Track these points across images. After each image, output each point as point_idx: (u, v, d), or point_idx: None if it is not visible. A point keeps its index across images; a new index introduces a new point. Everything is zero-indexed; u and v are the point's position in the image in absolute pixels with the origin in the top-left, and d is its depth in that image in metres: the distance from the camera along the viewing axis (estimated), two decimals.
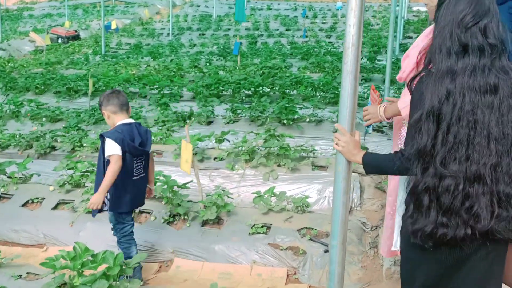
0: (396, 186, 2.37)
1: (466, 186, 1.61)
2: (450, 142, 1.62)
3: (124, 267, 2.62)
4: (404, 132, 2.33)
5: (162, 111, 6.66)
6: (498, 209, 1.61)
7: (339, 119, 1.87)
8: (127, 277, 2.74)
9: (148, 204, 3.85)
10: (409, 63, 2.30)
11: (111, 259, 2.55)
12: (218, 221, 3.58)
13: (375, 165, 1.88)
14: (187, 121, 6.25)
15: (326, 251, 3.11)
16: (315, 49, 12.06)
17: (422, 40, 2.27)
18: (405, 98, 2.17)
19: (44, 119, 6.87)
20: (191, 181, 3.92)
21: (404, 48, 11.18)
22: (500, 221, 1.62)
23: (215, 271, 3.25)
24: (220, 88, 7.72)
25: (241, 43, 11.33)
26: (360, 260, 3.13)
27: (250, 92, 7.64)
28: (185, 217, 3.60)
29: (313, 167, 4.47)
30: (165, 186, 3.79)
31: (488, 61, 1.63)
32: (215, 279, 3.19)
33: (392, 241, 2.44)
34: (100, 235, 3.62)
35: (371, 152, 2.01)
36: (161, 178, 3.99)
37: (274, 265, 3.16)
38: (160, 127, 5.63)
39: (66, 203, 4.01)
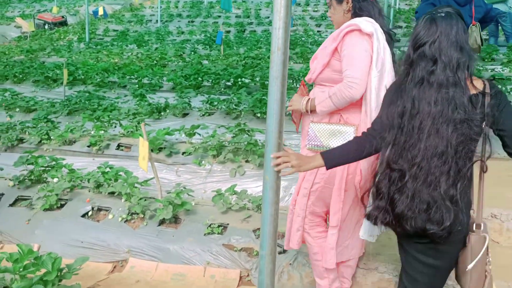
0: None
1: (401, 179, 1.82)
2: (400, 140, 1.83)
3: (64, 271, 2.54)
4: (309, 130, 2.37)
5: (138, 102, 6.55)
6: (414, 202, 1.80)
7: (266, 125, 1.78)
8: None
9: (107, 202, 3.78)
10: (317, 64, 2.32)
11: (49, 263, 2.47)
12: (175, 220, 3.50)
13: (339, 154, 1.96)
14: (161, 112, 6.14)
15: (280, 252, 3.04)
16: (303, 39, 11.90)
17: (330, 43, 2.27)
18: (320, 96, 2.29)
19: (17, 109, 6.75)
20: (152, 178, 3.83)
21: None
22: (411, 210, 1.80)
23: (168, 272, 3.18)
24: (200, 79, 7.59)
25: (224, 32, 11.15)
26: None
27: (230, 83, 7.52)
28: (143, 215, 3.52)
29: None
30: (125, 184, 3.71)
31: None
32: (168, 280, 3.13)
33: (289, 236, 2.61)
34: (56, 234, 3.54)
35: (325, 150, 2.01)
36: (122, 174, 3.91)
37: (227, 267, 3.09)
38: (131, 120, 5.52)
39: (25, 199, 3.92)
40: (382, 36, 2.22)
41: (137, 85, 7.68)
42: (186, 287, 3.02)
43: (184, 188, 3.73)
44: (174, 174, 4.52)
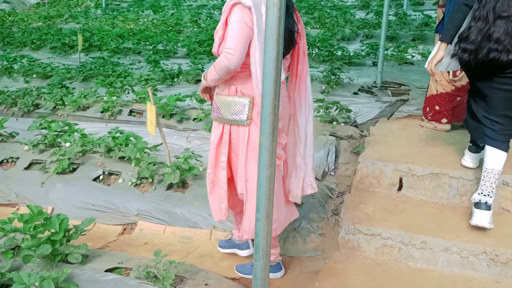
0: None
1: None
2: None
3: (71, 232, 2.61)
4: (213, 102, 2.51)
5: (151, 69, 6.55)
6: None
7: (262, 86, 1.74)
8: None
9: (118, 166, 3.83)
10: (216, 37, 2.35)
11: (57, 223, 2.53)
12: (183, 184, 3.53)
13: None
14: (175, 79, 6.13)
15: None
16: (322, 3, 11.62)
17: (223, 16, 2.30)
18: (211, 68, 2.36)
19: (35, 75, 6.83)
20: (161, 143, 3.85)
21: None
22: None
23: (175, 235, 3.24)
24: None
25: None
26: (320, 228, 3.07)
27: None
28: (152, 180, 3.57)
29: None
30: (134, 149, 3.75)
31: None
32: (176, 243, 3.19)
33: (215, 209, 2.63)
34: (68, 197, 3.63)
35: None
36: (132, 139, 3.94)
37: (233, 230, 3.12)
38: (143, 86, 5.52)
39: (39, 163, 4.00)
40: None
41: (151, 52, 7.65)
42: (193, 249, 3.07)
43: (193, 153, 3.74)
44: (184, 140, 4.54)
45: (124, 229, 3.41)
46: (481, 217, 2.60)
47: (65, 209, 3.48)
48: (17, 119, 5.25)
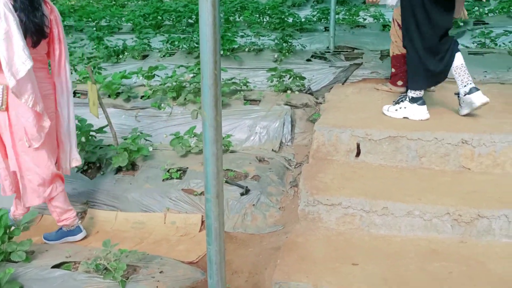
0: None
1: None
2: None
3: (12, 228, 2.37)
4: None
5: (95, 46, 6.16)
6: None
7: (200, 54, 1.56)
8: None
9: None
10: None
11: None
12: (133, 167, 3.33)
13: None
14: (120, 56, 5.79)
15: (243, 193, 2.92)
16: None
17: None
18: None
19: None
20: (107, 125, 3.61)
21: None
22: None
23: (128, 220, 3.05)
24: (160, 17, 7.16)
25: None
26: (279, 201, 2.96)
27: (192, 21, 7.12)
28: (99, 164, 3.34)
29: (245, 101, 4.19)
30: (79, 132, 3.48)
31: None
32: (129, 229, 3.01)
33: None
34: None
35: None
36: (76, 122, 3.67)
37: (188, 212, 2.97)
38: (86, 64, 5.18)
39: None
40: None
41: (94, 28, 7.21)
42: (147, 234, 2.90)
43: (141, 133, 3.54)
44: (133, 120, 4.29)
45: None
46: (479, 96, 3.04)
47: (10, 202, 3.21)
48: None
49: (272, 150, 3.63)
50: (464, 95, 3.11)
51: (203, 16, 1.50)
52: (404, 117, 3.17)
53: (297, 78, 4.41)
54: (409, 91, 3.19)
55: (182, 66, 4.73)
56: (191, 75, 4.47)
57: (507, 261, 2.24)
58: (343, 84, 4.49)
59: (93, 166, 3.38)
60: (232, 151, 3.47)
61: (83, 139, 3.46)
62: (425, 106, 3.15)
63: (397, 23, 3.62)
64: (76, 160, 2.87)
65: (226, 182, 3.03)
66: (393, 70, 3.84)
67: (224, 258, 1.82)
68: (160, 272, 2.29)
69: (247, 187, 2.95)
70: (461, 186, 2.65)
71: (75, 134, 2.88)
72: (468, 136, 2.80)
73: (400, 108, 3.20)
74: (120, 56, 5.80)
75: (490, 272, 2.17)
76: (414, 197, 2.57)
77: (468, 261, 2.26)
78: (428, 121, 3.11)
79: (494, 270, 2.18)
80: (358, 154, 3.07)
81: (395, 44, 3.74)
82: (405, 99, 3.22)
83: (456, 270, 2.18)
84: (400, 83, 3.80)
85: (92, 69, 4.86)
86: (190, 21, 7.14)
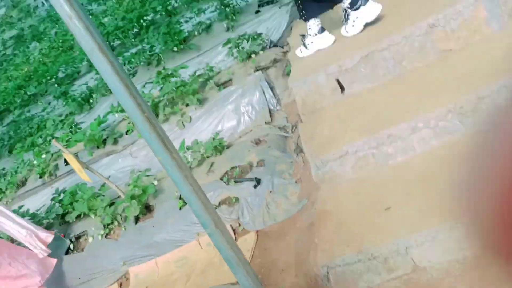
0: None
1: None
2: None
3: None
4: None
5: (65, 103, 6.06)
6: None
7: (123, 107, 1.44)
8: None
9: (80, 226, 3.57)
10: None
11: None
12: (148, 208, 3.29)
13: None
14: (90, 100, 5.68)
15: (256, 186, 2.84)
16: None
17: None
18: None
19: None
20: (105, 183, 3.56)
21: None
22: None
23: (170, 262, 3.04)
24: (107, 41, 6.93)
25: None
26: (292, 175, 2.87)
27: (137, 30, 6.87)
28: (118, 222, 3.32)
29: (218, 87, 4.04)
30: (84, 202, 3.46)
31: None
32: (174, 270, 3.01)
33: None
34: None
35: None
36: (79, 192, 3.65)
37: None
38: (61, 127, 5.10)
39: None
40: None
41: (56, 85, 7.09)
42: (192, 268, 2.89)
43: (140, 171, 3.47)
44: (130, 158, 4.24)
45: (121, 284, 3.20)
46: (375, 6, 2.75)
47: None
48: None
49: (265, 123, 3.51)
50: (353, 9, 2.76)
51: (102, 72, 1.40)
52: (317, 50, 3.00)
53: (253, 38, 4.20)
54: (307, 25, 2.95)
55: (147, 83, 4.59)
56: (158, 88, 4.33)
57: None
58: (300, 19, 4.25)
59: (112, 226, 3.36)
60: (228, 146, 3.37)
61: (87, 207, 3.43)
62: (326, 31, 2.95)
63: None
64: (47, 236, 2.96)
65: (236, 181, 2.95)
66: None
67: (255, 278, 1.77)
68: None
69: (256, 177, 2.86)
70: (450, 73, 2.47)
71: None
72: (433, 18, 2.59)
73: (309, 44, 3.00)
74: (91, 101, 5.70)
75: None
76: (412, 109, 2.41)
77: None
78: (387, 23, 2.88)
79: None
80: (342, 89, 2.91)
81: None
82: (308, 36, 3.00)
83: None
84: None
85: (63, 140, 4.79)
86: (135, 30, 6.89)
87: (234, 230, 2.86)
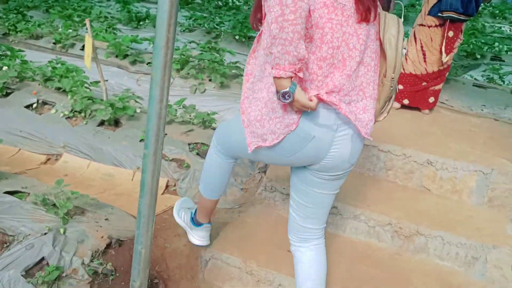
0: None
1: None
2: None
3: None
4: None
5: (120, 9, 6.31)
6: None
7: (157, 14, 1.63)
8: None
9: (54, 97, 3.71)
10: None
11: None
12: (116, 123, 3.44)
13: None
14: (141, 22, 5.93)
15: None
16: None
17: None
18: None
19: None
20: (106, 80, 3.73)
21: None
22: None
23: (99, 171, 3.17)
24: None
25: None
26: (243, 183, 3.04)
27: (221, 4, 7.22)
28: (84, 114, 3.46)
29: None
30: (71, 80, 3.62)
31: None
32: (97, 179, 3.12)
33: None
34: None
35: None
36: (74, 73, 3.81)
37: None
38: (102, 22, 5.32)
39: None
40: None
41: None
42: (112, 187, 3.01)
43: (133, 94, 3.65)
44: (134, 82, 4.42)
45: (48, 159, 3.31)
46: None
47: None
48: None
49: None
50: None
51: None
52: None
53: None
54: None
55: (193, 42, 4.82)
56: (199, 52, 4.56)
57: (431, 280, 2.28)
58: None
59: (78, 114, 3.50)
60: (214, 128, 3.55)
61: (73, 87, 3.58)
62: None
63: (421, 42, 3.52)
64: None
65: (197, 154, 3.12)
66: (401, 87, 3.75)
67: (153, 213, 1.91)
68: (105, 219, 2.39)
69: None
70: (415, 204, 2.68)
71: None
72: (434, 158, 2.82)
73: None
74: (141, 23, 5.94)
75: (412, 285, 2.22)
76: (365, 203, 2.61)
77: (395, 271, 2.31)
78: (401, 137, 3.12)
79: (415, 285, 2.22)
80: None
81: (413, 63, 3.61)
82: None
83: (379, 276, 2.23)
84: (406, 101, 3.71)
85: (94, 30, 4.99)
86: (219, 3, 7.24)
87: (167, 186, 3.00)
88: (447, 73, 3.71)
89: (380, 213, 2.52)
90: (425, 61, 3.56)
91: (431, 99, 3.70)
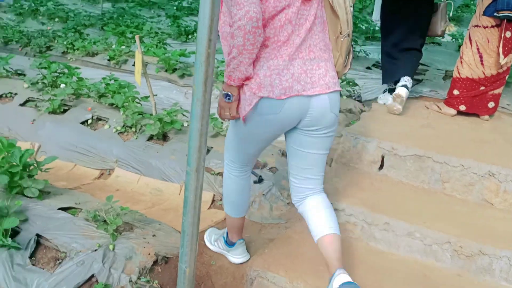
0: None
1: None
2: None
3: (32, 167, 2.61)
4: None
5: (170, 24, 6.46)
6: None
7: (198, 31, 1.61)
8: None
9: (107, 112, 3.82)
10: None
11: (17, 157, 2.54)
12: (164, 137, 3.49)
13: None
14: (189, 36, 6.03)
15: (256, 181, 2.96)
16: None
17: None
18: None
19: (57, 19, 6.88)
20: (155, 95, 3.80)
21: None
22: None
23: (148, 185, 3.22)
24: None
25: None
26: (289, 197, 2.96)
27: None
28: (135, 129, 3.53)
29: None
30: (123, 96, 3.72)
31: None
32: (146, 193, 3.18)
33: None
34: (55, 136, 3.65)
35: None
36: (126, 89, 3.90)
37: (203, 189, 3.07)
38: (152, 38, 5.46)
39: (34, 101, 4.04)
40: None
41: (175, 7, 7.56)
42: (160, 202, 3.04)
43: (181, 107, 3.68)
44: (182, 96, 4.47)
45: (102, 174, 3.41)
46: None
47: (50, 148, 3.52)
48: (29, 59, 5.31)
49: None
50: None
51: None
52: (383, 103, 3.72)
53: (350, 83, 4.35)
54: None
55: None
56: None
57: None
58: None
59: (129, 129, 3.58)
60: None
61: (126, 103, 3.67)
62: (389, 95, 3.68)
63: (477, 44, 3.34)
64: None
65: None
66: (456, 92, 3.56)
67: (197, 231, 1.89)
68: (153, 236, 2.41)
69: (261, 176, 2.99)
70: (475, 220, 2.50)
71: None
72: (496, 169, 2.63)
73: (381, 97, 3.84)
74: (189, 36, 6.04)
75: None
76: (420, 219, 2.47)
77: None
78: (458, 146, 2.95)
79: None
80: (381, 166, 2.99)
81: (469, 67, 3.42)
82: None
83: None
84: (463, 107, 3.51)
85: (145, 46, 5.10)
86: None
87: (213, 200, 3.00)
88: (507, 76, 3.48)
89: (437, 230, 2.37)
90: (482, 64, 3.35)
91: (491, 104, 3.48)
